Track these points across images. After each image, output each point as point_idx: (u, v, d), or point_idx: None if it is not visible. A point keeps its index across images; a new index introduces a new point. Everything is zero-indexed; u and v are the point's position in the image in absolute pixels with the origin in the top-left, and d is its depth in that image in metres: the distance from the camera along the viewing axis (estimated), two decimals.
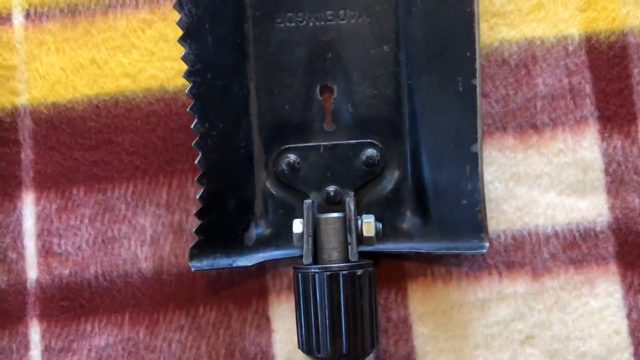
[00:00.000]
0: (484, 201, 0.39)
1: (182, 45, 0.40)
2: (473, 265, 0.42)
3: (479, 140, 0.39)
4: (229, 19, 0.41)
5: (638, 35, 0.43)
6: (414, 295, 0.42)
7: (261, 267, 0.43)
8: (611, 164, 0.43)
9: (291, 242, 0.40)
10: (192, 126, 0.40)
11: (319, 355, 0.38)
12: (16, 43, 0.44)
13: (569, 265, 0.42)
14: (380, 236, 0.40)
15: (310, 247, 0.39)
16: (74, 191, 0.43)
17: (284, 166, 0.41)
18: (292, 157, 0.41)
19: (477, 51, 0.39)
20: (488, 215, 0.40)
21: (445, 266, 0.42)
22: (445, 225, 0.40)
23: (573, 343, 0.42)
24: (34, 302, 0.43)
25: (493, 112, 0.43)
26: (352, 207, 0.39)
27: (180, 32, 0.40)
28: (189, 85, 0.40)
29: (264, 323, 0.43)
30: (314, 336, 0.38)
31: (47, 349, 0.43)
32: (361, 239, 0.39)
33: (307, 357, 0.39)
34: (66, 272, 0.43)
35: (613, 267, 0.42)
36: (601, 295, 0.42)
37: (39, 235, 0.43)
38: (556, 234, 0.42)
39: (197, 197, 0.40)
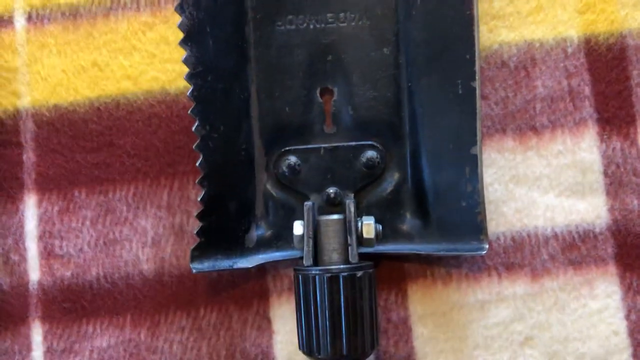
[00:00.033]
0: (483, 203, 0.40)
1: (183, 48, 0.40)
2: (473, 266, 0.42)
3: (478, 142, 0.40)
4: (229, 21, 0.41)
5: (637, 37, 0.43)
6: (414, 296, 0.42)
7: (262, 268, 0.43)
8: (610, 166, 0.43)
9: (292, 244, 0.40)
10: (193, 128, 0.40)
11: (319, 357, 0.38)
12: (18, 45, 0.44)
13: (568, 267, 0.42)
14: (380, 238, 0.40)
15: (310, 248, 0.39)
16: (76, 193, 0.43)
17: (284, 168, 0.41)
18: (292, 159, 0.41)
19: (476, 53, 0.39)
20: (487, 217, 0.40)
21: (445, 267, 0.42)
22: (445, 227, 0.41)
23: (572, 344, 0.42)
24: (36, 303, 0.43)
25: (492, 114, 0.43)
26: (352, 209, 0.39)
27: (181, 35, 0.40)
28: (190, 87, 0.40)
29: (264, 324, 0.43)
30: (314, 337, 0.38)
31: (49, 350, 0.43)
32: (361, 241, 0.39)
33: (307, 358, 0.39)
34: (68, 273, 0.43)
35: (612, 269, 0.42)
36: (600, 296, 0.42)
37: (41, 237, 0.43)
38: (555, 236, 0.42)
39: (198, 199, 0.40)
